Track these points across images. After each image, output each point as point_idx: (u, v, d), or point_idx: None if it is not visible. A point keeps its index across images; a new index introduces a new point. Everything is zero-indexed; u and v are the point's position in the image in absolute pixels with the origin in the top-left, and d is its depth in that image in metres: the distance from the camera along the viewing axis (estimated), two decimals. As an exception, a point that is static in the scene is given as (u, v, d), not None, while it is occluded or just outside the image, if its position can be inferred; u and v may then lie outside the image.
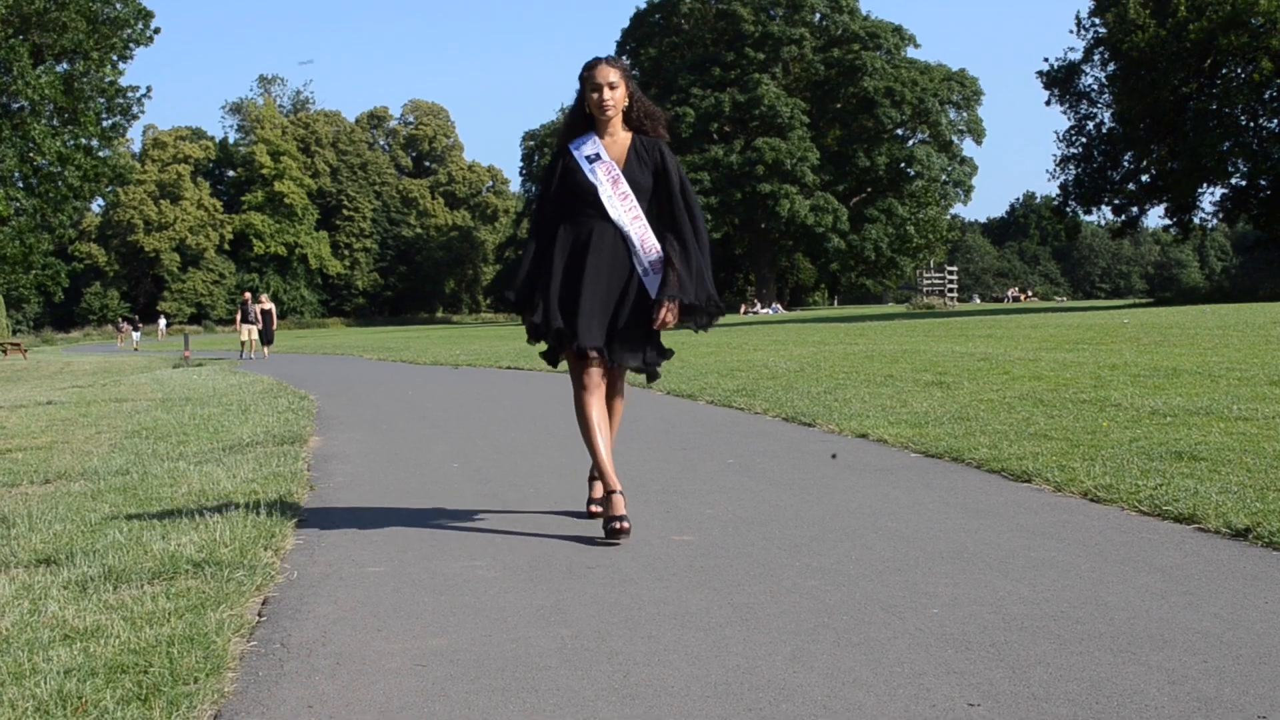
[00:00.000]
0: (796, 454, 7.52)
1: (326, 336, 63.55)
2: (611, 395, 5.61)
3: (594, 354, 5.33)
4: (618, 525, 5.10)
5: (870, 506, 5.64)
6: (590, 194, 5.41)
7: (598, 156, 5.47)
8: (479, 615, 3.95)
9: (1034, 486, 5.91)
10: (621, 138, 5.56)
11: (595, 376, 5.40)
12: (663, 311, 5.35)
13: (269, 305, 34.99)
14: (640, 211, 5.44)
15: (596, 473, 5.56)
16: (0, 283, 36.73)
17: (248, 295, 35.24)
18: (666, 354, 5.64)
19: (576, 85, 5.63)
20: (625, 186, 5.43)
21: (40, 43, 32.93)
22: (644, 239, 5.43)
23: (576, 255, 5.40)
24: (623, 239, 5.42)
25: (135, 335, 65.37)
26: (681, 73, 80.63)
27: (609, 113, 5.48)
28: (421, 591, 4.30)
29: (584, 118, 5.58)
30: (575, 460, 7.42)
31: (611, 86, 5.48)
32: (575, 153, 5.50)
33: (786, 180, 76.94)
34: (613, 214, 5.40)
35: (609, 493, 5.26)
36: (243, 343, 34.38)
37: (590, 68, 5.53)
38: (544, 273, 5.42)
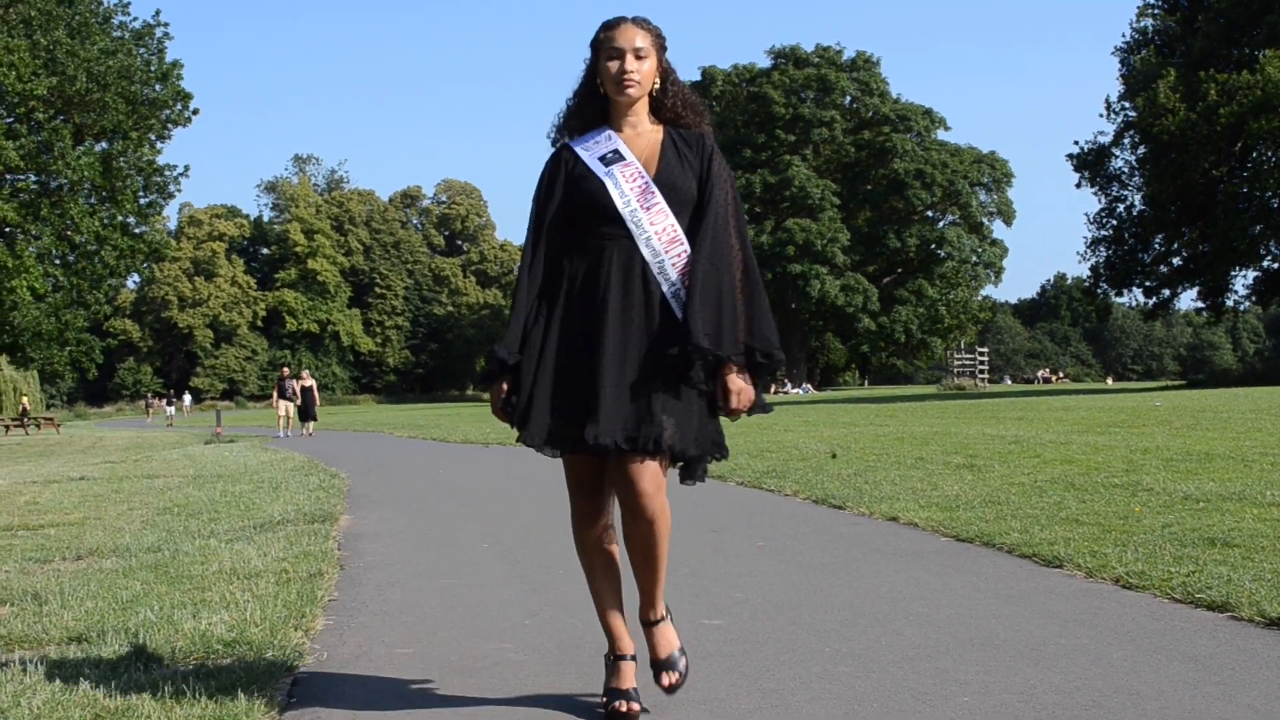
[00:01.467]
0: (827, 536, 7.50)
1: (357, 414, 63.73)
2: (633, 504, 3.83)
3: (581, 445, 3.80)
4: (621, 707, 3.79)
5: (900, 591, 5.62)
6: (607, 209, 3.94)
7: (617, 156, 4.04)
8: (508, 699, 3.95)
9: (1065, 572, 5.87)
10: (648, 130, 4.13)
11: (588, 473, 3.95)
12: (731, 380, 3.89)
13: (310, 382, 34.03)
14: (681, 231, 3.98)
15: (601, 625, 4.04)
16: (36, 358, 37.02)
17: (285, 370, 34.88)
18: (712, 439, 3.97)
19: (585, 57, 4.19)
20: (659, 197, 3.97)
21: (81, 123, 33.38)
22: (684, 267, 3.95)
23: (587, 299, 3.91)
24: (652, 270, 3.93)
25: (170, 410, 65.14)
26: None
27: (631, 90, 4.02)
28: (450, 674, 4.31)
29: (594, 102, 4.13)
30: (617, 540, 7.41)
31: (639, 54, 4.02)
32: (582, 152, 4.06)
33: (817, 261, 77.14)
34: (641, 236, 3.93)
35: (615, 657, 3.95)
36: (279, 419, 33.48)
37: (609, 27, 4.08)
38: (536, 328, 3.96)
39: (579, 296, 3.93)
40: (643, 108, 4.12)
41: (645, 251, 3.94)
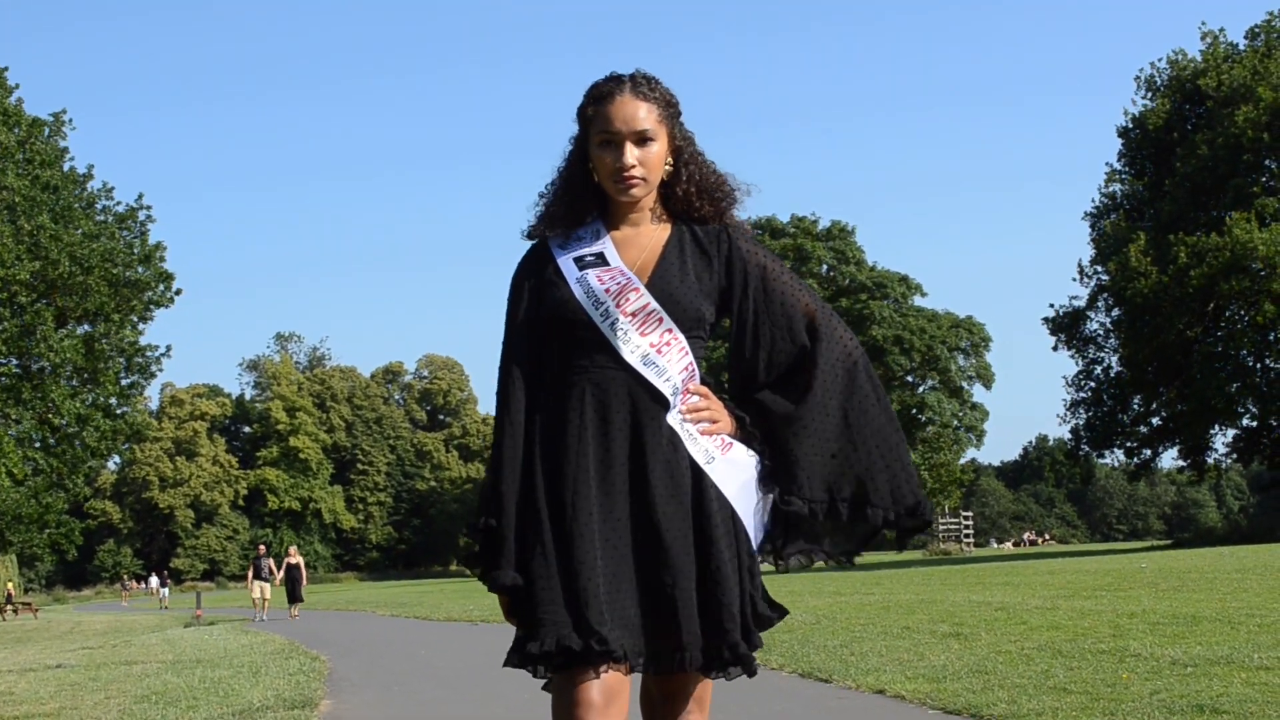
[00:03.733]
0: (814, 711, 7.42)
1: (340, 592, 63.14)
2: None
3: (604, 658, 2.84)
4: None
5: (888, 768, 5.55)
6: (578, 325, 3.03)
7: (599, 259, 3.09)
8: None
9: (1054, 744, 5.81)
10: (650, 230, 3.16)
11: (598, 693, 2.87)
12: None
13: (297, 559, 32.07)
14: (678, 346, 3.03)
15: None
16: (15, 541, 36.74)
17: (261, 549, 33.61)
18: (765, 623, 3.18)
19: (572, 130, 3.21)
20: (645, 300, 3.02)
21: (64, 306, 33.60)
22: (681, 397, 3.04)
23: (559, 453, 2.99)
24: (658, 402, 3.00)
25: (164, 592, 62.47)
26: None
27: (635, 190, 3.07)
28: None
29: (584, 191, 3.16)
30: None
31: (643, 139, 3.06)
32: (559, 254, 3.13)
33: (799, 427, 77.34)
34: (628, 355, 2.99)
35: None
36: (254, 600, 31.28)
37: (602, 98, 3.09)
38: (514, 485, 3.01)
39: (546, 456, 3.02)
40: (650, 200, 3.15)
41: (650, 374, 2.99)
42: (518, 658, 2.97)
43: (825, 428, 3.08)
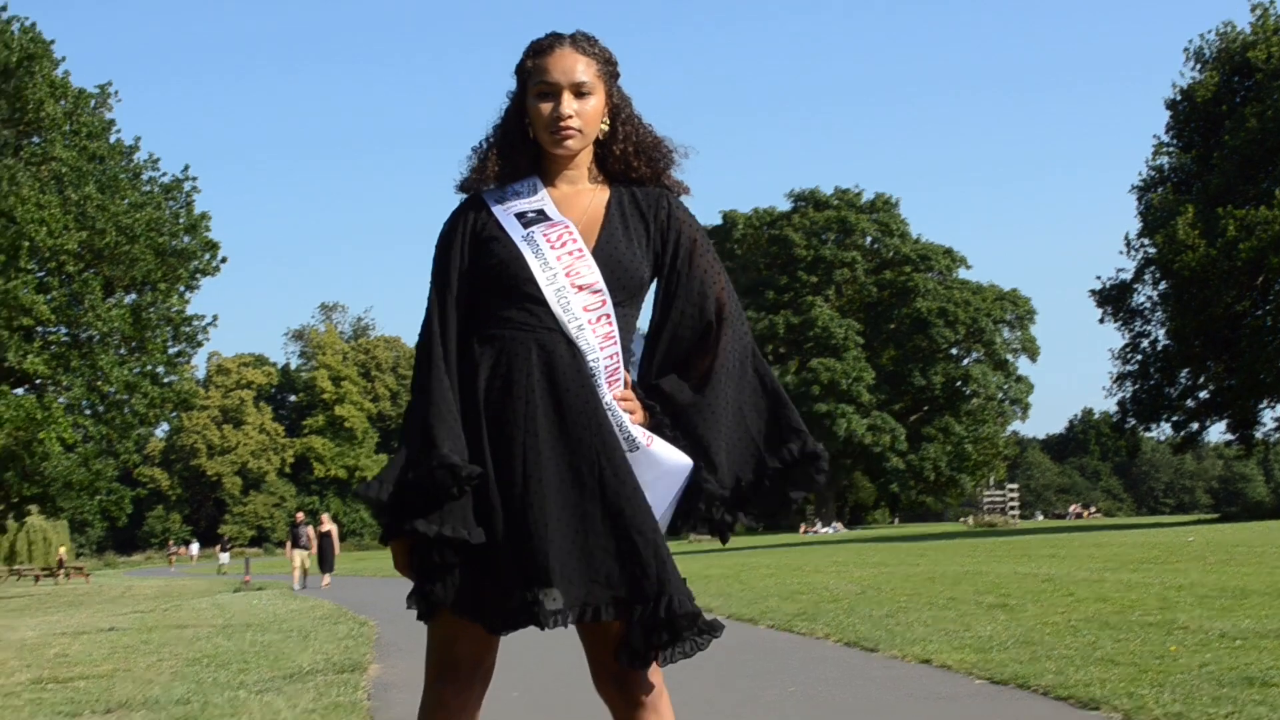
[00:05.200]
0: (860, 681, 7.44)
1: (386, 559, 63.50)
2: (631, 701, 3.00)
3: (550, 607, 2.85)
4: None
5: (936, 736, 5.56)
6: (524, 282, 2.99)
7: (541, 215, 3.07)
8: None
9: (1103, 714, 5.80)
10: (589, 189, 3.15)
11: (469, 652, 3.07)
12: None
13: (329, 526, 31.55)
14: (615, 322, 3.03)
15: None
16: (66, 508, 37.14)
17: (299, 516, 33.60)
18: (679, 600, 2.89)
19: (510, 89, 3.19)
20: (592, 272, 3.01)
21: (110, 275, 33.84)
22: (616, 372, 3.04)
23: (499, 410, 2.94)
24: (589, 371, 2.98)
25: (224, 557, 61.15)
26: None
27: (571, 141, 3.06)
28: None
29: (524, 146, 3.12)
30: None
31: (580, 91, 3.05)
32: (495, 207, 3.09)
33: (843, 400, 77.14)
34: (567, 326, 2.97)
35: None
36: (295, 570, 30.83)
37: (540, 51, 3.09)
38: (436, 436, 2.88)
39: (489, 406, 2.95)
40: (586, 158, 3.14)
41: (582, 345, 2.98)
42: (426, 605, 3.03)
43: (726, 415, 3.09)
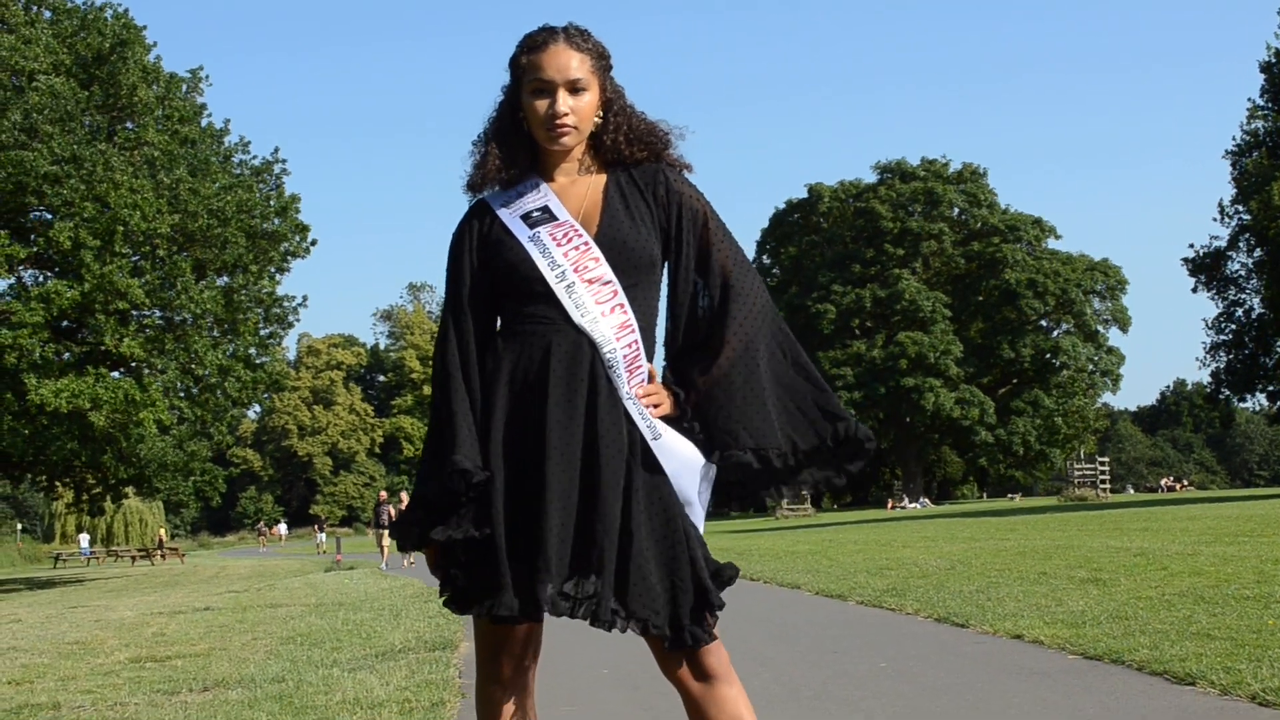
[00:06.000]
0: (950, 656, 7.39)
1: (474, 537, 63.98)
2: (712, 685, 3.03)
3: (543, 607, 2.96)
4: None
5: (1028, 713, 5.52)
6: (534, 281, 3.04)
7: (546, 214, 3.11)
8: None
9: (1198, 690, 5.72)
10: (585, 178, 3.18)
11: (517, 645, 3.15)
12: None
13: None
14: (630, 310, 3.06)
15: None
16: (161, 489, 37.74)
17: (383, 495, 33.64)
18: (718, 585, 3.00)
19: (504, 83, 3.22)
20: (599, 265, 3.05)
21: (202, 258, 34.23)
22: (636, 360, 3.06)
23: (521, 408, 3.00)
24: (606, 363, 3.01)
25: (321, 537, 62.59)
26: (822, 270, 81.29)
27: (566, 138, 3.10)
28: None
29: (520, 142, 3.16)
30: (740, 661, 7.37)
31: (575, 88, 3.08)
32: (501, 211, 3.13)
33: (930, 374, 76.62)
34: (580, 319, 3.00)
35: None
36: (382, 549, 31.38)
37: (534, 47, 3.11)
38: (456, 442, 2.99)
39: (512, 405, 3.01)
40: (580, 147, 3.17)
41: (597, 339, 3.01)
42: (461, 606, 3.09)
43: (752, 383, 3.09)
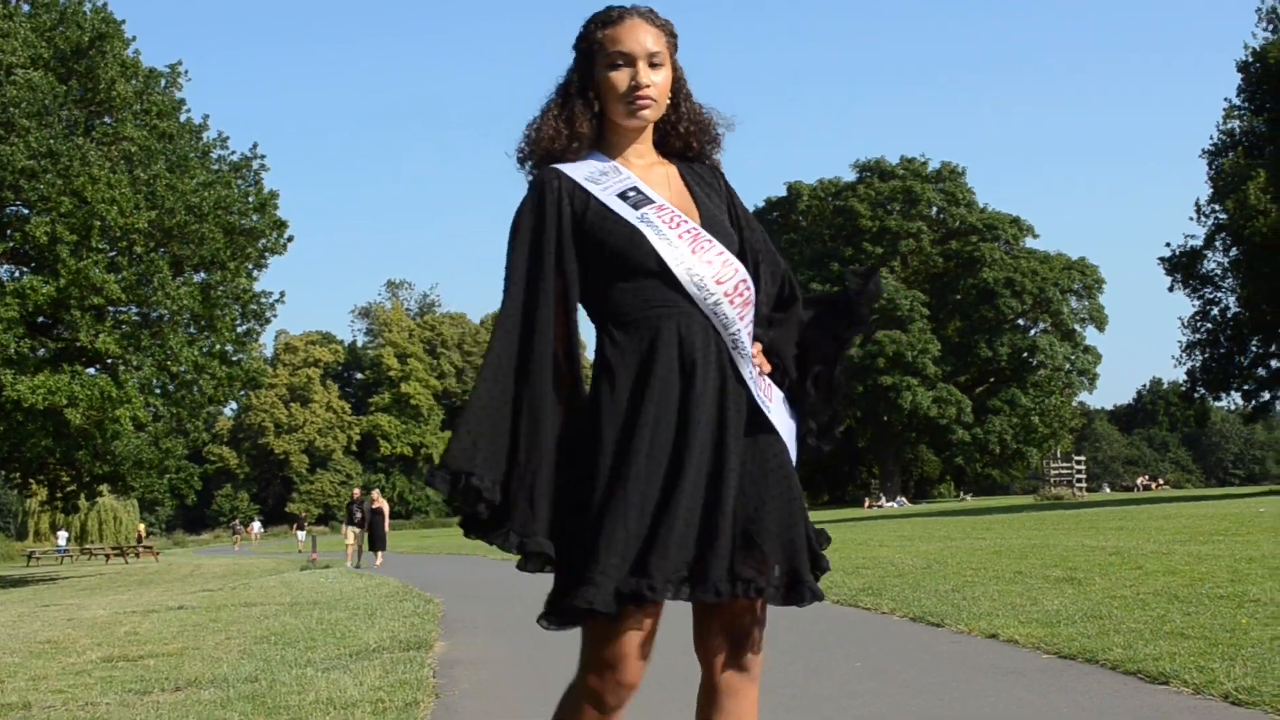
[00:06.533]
0: (926, 655, 7.39)
1: (450, 536, 63.90)
2: (737, 666, 3.04)
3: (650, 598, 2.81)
4: None
5: (1004, 711, 5.52)
6: (654, 263, 2.91)
7: (641, 195, 2.99)
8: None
9: (1172, 689, 5.73)
10: (661, 168, 3.11)
11: (637, 647, 2.93)
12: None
13: (380, 504, 30.57)
14: (751, 288, 3.02)
15: None
16: (136, 486, 37.57)
17: (356, 493, 33.14)
18: (824, 544, 3.07)
19: (570, 58, 3.12)
20: (713, 245, 2.98)
21: (180, 254, 34.09)
22: (751, 337, 3.02)
23: (661, 399, 2.87)
24: (728, 347, 2.95)
25: (301, 535, 60.63)
26: (801, 268, 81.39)
27: (647, 111, 3.02)
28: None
29: (586, 121, 3.04)
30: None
31: (652, 61, 3.01)
32: (592, 187, 2.98)
33: (908, 372, 76.80)
34: (704, 300, 2.92)
35: None
36: (348, 547, 30.71)
37: (609, 22, 3.04)
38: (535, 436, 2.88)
39: (656, 391, 2.87)
40: (649, 134, 3.11)
41: (724, 320, 2.94)
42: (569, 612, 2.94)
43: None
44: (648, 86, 2.98)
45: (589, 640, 2.95)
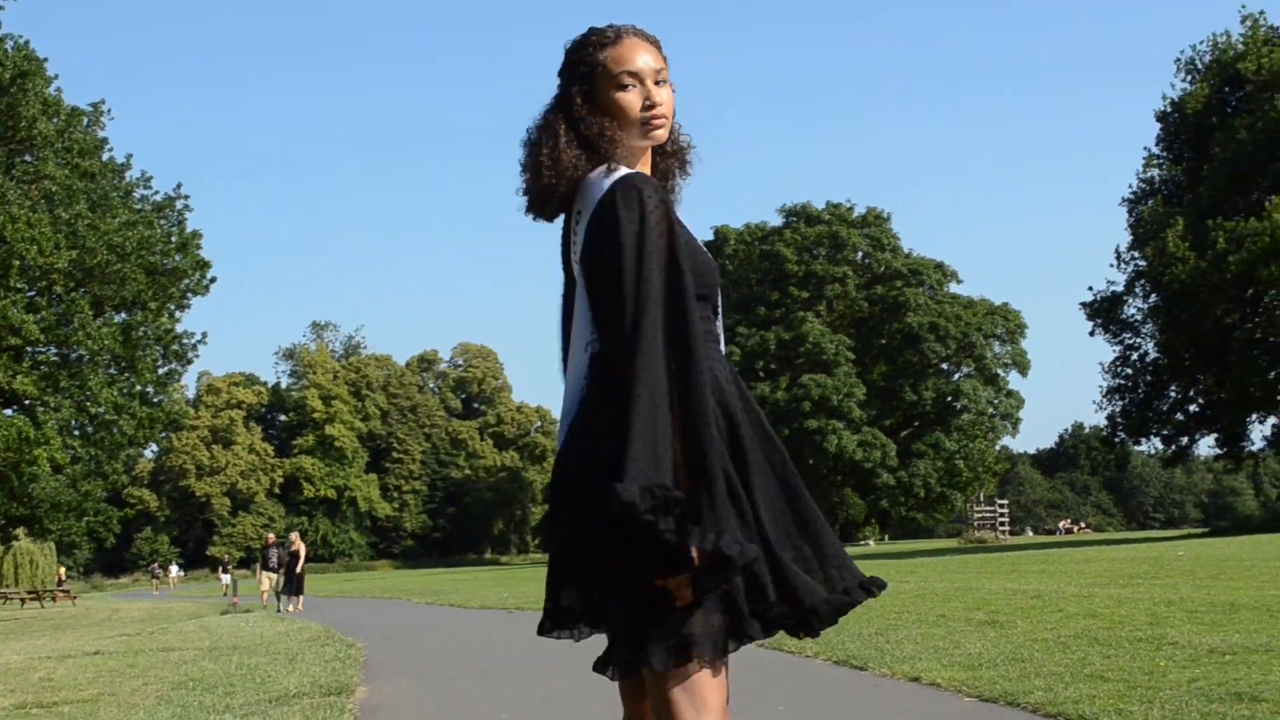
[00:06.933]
0: (849, 700, 7.40)
1: (375, 579, 63.41)
2: None
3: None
4: None
5: (924, 755, 5.52)
6: (717, 289, 2.92)
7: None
8: None
9: (1091, 732, 5.77)
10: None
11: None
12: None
13: (299, 546, 29.44)
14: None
15: None
16: (54, 529, 37.02)
17: (271, 537, 32.60)
18: None
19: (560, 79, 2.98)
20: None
21: (101, 295, 33.76)
22: None
23: (754, 421, 2.82)
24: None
25: (226, 579, 57.91)
26: (728, 312, 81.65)
27: (660, 130, 2.90)
28: None
29: (601, 146, 2.86)
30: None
31: (658, 79, 2.90)
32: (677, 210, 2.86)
33: (833, 416, 77.11)
34: (722, 334, 2.94)
35: None
36: (263, 592, 30.41)
37: (608, 42, 2.92)
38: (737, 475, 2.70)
39: (748, 418, 2.78)
40: (649, 156, 2.98)
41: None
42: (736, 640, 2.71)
43: None
44: (660, 104, 2.88)
45: (711, 684, 2.68)
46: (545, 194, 2.86)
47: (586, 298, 2.78)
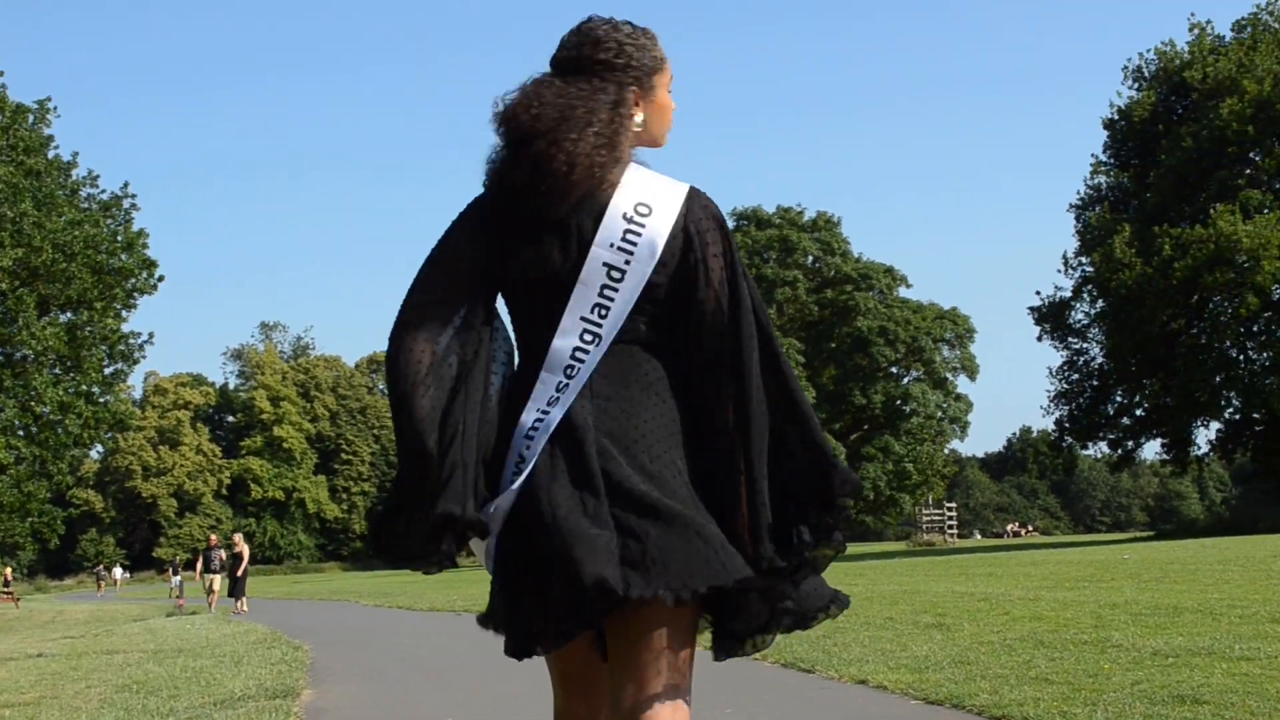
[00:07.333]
0: (795, 702, 7.41)
1: (323, 581, 63.07)
2: None
3: None
4: None
5: (870, 758, 5.54)
6: None
7: None
8: None
9: (1036, 734, 5.80)
10: None
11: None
12: None
13: (242, 548, 29.91)
14: None
15: None
16: (-3, 531, 36.61)
17: (213, 539, 32.30)
18: None
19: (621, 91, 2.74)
20: None
21: (46, 293, 33.42)
22: None
23: None
24: None
25: (175, 580, 56.66)
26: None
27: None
28: None
29: (624, 146, 2.71)
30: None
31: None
32: None
33: (784, 419, 77.35)
34: None
35: None
36: (211, 595, 30.09)
37: (653, 44, 2.78)
38: None
39: None
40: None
41: None
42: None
43: None
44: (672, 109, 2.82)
45: (690, 665, 2.84)
46: (575, 187, 2.63)
47: (648, 296, 2.77)
